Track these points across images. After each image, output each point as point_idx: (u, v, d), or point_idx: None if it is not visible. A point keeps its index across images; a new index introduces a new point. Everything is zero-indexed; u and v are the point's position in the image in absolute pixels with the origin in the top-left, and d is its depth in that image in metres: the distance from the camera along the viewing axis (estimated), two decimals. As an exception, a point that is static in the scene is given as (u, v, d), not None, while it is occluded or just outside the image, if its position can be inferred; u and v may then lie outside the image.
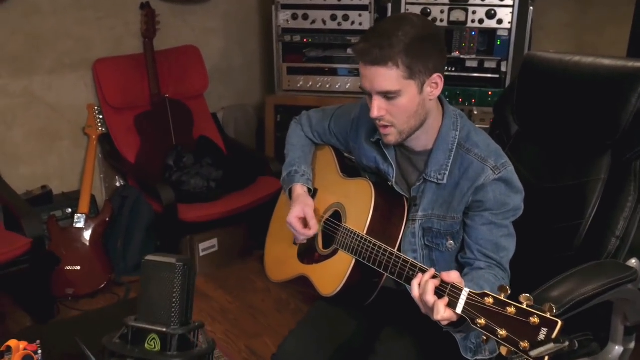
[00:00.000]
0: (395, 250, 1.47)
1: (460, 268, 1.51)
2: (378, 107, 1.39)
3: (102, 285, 2.80)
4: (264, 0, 3.69)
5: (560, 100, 1.72)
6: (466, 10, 2.92)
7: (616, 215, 1.57)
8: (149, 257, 1.27)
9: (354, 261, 1.52)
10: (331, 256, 1.61)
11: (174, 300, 1.24)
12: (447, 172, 1.46)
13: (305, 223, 1.65)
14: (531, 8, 2.83)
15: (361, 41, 1.38)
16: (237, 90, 3.76)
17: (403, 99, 1.37)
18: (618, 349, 1.60)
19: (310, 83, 3.30)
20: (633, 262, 1.57)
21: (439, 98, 1.49)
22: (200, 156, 3.12)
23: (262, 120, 3.75)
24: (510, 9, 2.86)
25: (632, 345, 1.62)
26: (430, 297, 1.21)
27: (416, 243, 1.52)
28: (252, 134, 3.79)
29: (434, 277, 1.24)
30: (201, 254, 3.05)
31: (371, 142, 1.59)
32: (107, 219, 2.88)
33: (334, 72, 3.28)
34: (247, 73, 3.80)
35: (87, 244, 2.81)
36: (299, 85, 3.31)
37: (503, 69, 2.95)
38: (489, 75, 3.01)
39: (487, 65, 3.01)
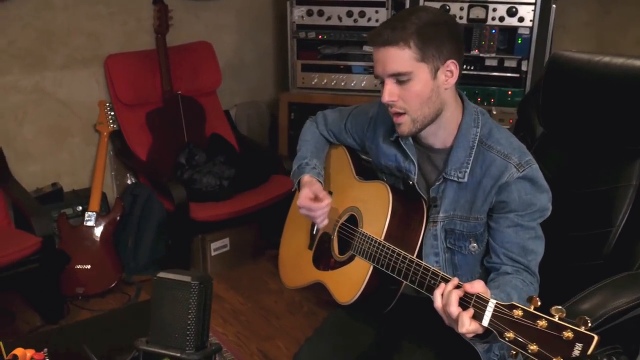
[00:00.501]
0: (415, 255, 1.41)
1: (485, 273, 1.46)
2: (389, 92, 1.34)
3: (113, 285, 2.76)
4: (279, -5, 3.63)
5: (588, 102, 1.66)
6: (486, 8, 2.84)
7: (649, 224, 1.50)
8: (162, 275, 1.18)
9: (371, 268, 1.46)
10: (347, 262, 1.55)
11: (190, 322, 1.15)
12: (467, 170, 1.40)
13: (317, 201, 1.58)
14: (554, 6, 2.75)
15: (374, 29, 1.37)
16: (250, 87, 3.71)
17: (415, 83, 1.32)
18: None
19: (325, 80, 3.24)
20: (665, 272, 1.50)
21: (459, 94, 1.44)
22: (212, 154, 3.08)
23: (275, 118, 3.70)
24: (532, 7, 2.78)
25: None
26: (455, 309, 1.15)
27: (438, 246, 1.46)
28: (265, 132, 3.73)
29: (457, 287, 1.19)
30: (213, 253, 3.00)
31: (390, 141, 1.54)
32: (118, 217, 2.83)
33: (349, 70, 3.21)
34: (260, 70, 3.74)
35: (98, 242, 2.78)
36: (313, 83, 3.25)
37: (524, 68, 2.87)
38: (509, 75, 2.93)
39: (507, 64, 2.93)
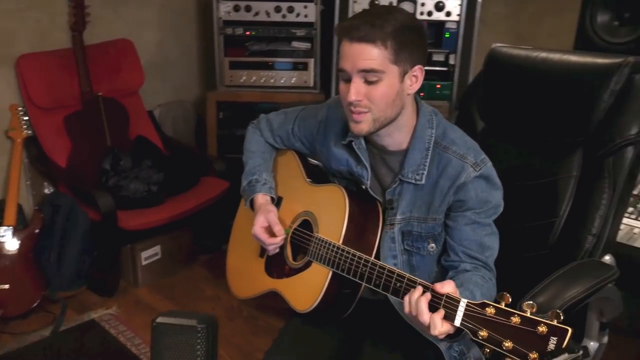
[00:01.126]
0: (373, 258, 1.38)
1: (442, 272, 1.46)
2: (357, 91, 1.30)
3: (35, 304, 2.55)
4: (202, -10, 3.50)
5: (528, 96, 1.69)
6: (415, 2, 2.85)
7: (592, 213, 1.54)
8: (161, 320, 1.06)
9: (330, 273, 1.41)
10: (304, 269, 1.50)
11: None
12: (425, 172, 1.39)
13: (271, 232, 1.54)
14: (479, 1, 2.81)
15: (348, 20, 1.33)
16: (174, 86, 3.55)
17: (383, 84, 1.30)
18: (593, 345, 1.59)
19: (254, 78, 3.15)
20: (607, 258, 1.55)
21: (414, 96, 1.42)
22: (138, 158, 2.92)
23: (202, 117, 3.58)
24: (459, 1, 2.83)
25: (606, 339, 1.61)
26: (426, 317, 1.13)
27: (396, 248, 1.44)
28: (191, 132, 3.60)
29: (424, 291, 1.17)
30: (143, 263, 2.85)
31: (342, 145, 1.50)
32: (37, 231, 2.62)
33: (279, 66, 3.14)
34: (185, 68, 3.59)
35: (16, 259, 2.55)
36: (241, 81, 3.15)
37: (451, 61, 2.93)
38: (438, 69, 2.97)
39: (435, 58, 2.96)
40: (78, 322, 2.54)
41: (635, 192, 2.12)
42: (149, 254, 2.86)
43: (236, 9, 3.06)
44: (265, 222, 1.54)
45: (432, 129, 1.42)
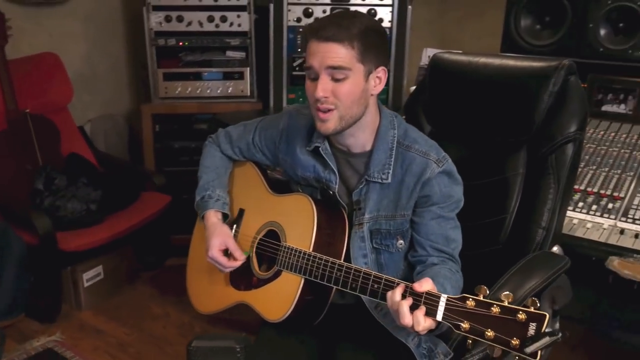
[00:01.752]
0: (342, 260, 1.42)
1: (409, 268, 1.51)
2: (324, 87, 1.34)
3: (-30, 336, 2.40)
4: (129, 0, 3.40)
5: (473, 99, 1.76)
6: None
7: (540, 208, 1.63)
8: (197, 344, 1.05)
9: (303, 281, 1.43)
10: (273, 279, 1.50)
11: None
12: (390, 171, 1.45)
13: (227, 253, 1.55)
14: (409, 7, 2.91)
15: (316, 22, 1.38)
16: (104, 99, 3.45)
17: (350, 82, 1.35)
18: (548, 332, 1.68)
19: (190, 89, 3.11)
20: (555, 249, 1.66)
21: (376, 98, 1.47)
22: (73, 176, 2.80)
23: (135, 131, 3.49)
24: (390, 8, 2.92)
25: (557, 325, 1.71)
26: (408, 319, 1.17)
27: (366, 247, 1.48)
28: (124, 147, 3.50)
29: (404, 290, 1.21)
30: (85, 284, 2.75)
31: (307, 152, 1.52)
32: (-32, 258, 2.47)
33: (214, 76, 3.12)
34: (114, 80, 3.49)
35: (-54, 290, 2.40)
36: (177, 92, 3.10)
37: (386, 66, 3.00)
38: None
39: (370, 63, 3.03)
40: (22, 353, 2.41)
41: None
42: (90, 275, 2.76)
43: (168, 19, 3.01)
44: (222, 245, 1.55)
45: (394, 129, 1.47)
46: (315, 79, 1.35)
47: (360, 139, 1.46)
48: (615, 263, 1.63)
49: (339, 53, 1.31)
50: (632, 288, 1.62)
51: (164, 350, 2.49)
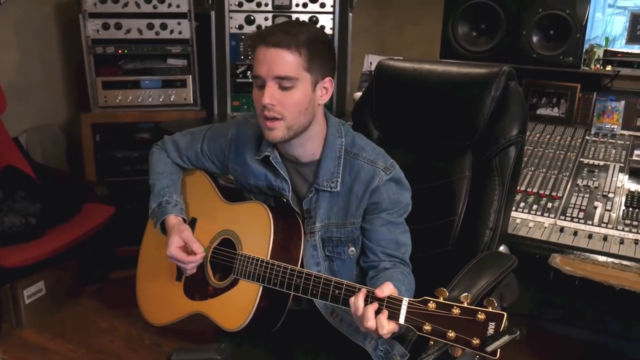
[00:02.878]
0: (299, 266, 1.43)
1: (361, 273, 1.54)
2: (271, 95, 1.34)
3: None
4: (63, 7, 3.30)
5: (418, 105, 1.81)
6: (289, 17, 2.94)
7: (487, 209, 1.69)
8: (176, 357, 1.06)
9: (261, 289, 1.43)
10: (230, 287, 1.50)
11: None
12: (339, 179, 1.47)
13: (187, 250, 1.53)
14: (350, 14, 2.97)
15: (264, 29, 1.40)
16: (39, 109, 3.32)
17: (297, 91, 1.35)
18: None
19: (130, 97, 3.05)
20: (502, 248, 1.73)
21: (323, 108, 1.49)
22: (10, 190, 2.68)
23: (73, 141, 3.39)
24: (331, 15, 2.96)
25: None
26: (372, 323, 1.20)
27: (318, 255, 1.50)
28: (62, 157, 3.39)
29: (367, 295, 1.24)
30: (27, 301, 2.64)
31: (257, 160, 1.53)
32: None
33: (156, 84, 3.07)
34: (49, 89, 3.37)
35: None
36: (117, 101, 3.03)
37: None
38: (316, 80, 3.07)
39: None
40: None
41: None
42: (31, 291, 2.66)
43: (105, 27, 2.94)
44: (180, 242, 1.53)
45: (341, 137, 1.50)
46: (263, 86, 1.35)
47: (309, 149, 1.47)
48: (557, 260, 1.72)
49: (287, 61, 1.32)
50: (573, 284, 1.70)
51: (113, 366, 2.43)
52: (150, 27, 2.98)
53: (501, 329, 1.07)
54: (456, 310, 1.12)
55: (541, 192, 2.01)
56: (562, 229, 1.84)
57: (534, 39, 2.43)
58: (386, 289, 1.22)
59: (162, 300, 1.66)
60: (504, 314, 1.08)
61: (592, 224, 1.85)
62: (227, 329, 1.47)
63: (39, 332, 2.61)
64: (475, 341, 1.09)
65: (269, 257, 1.43)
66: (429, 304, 1.15)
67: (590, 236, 1.80)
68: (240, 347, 1.50)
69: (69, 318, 2.74)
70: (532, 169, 2.13)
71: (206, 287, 1.55)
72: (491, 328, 1.08)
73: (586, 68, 2.52)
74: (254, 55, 1.37)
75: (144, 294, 1.72)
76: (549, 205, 1.95)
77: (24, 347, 2.52)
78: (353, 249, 1.51)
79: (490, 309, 1.10)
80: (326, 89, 1.42)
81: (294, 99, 1.35)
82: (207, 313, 1.53)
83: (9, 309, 2.62)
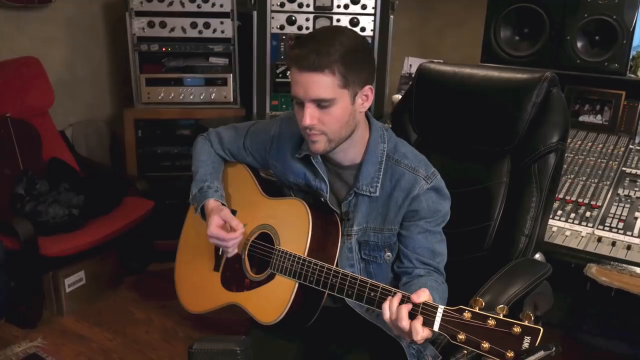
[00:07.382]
0: (334, 265, 1.44)
1: (396, 277, 1.54)
2: (311, 116, 1.35)
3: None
4: (111, 6, 3.39)
5: (458, 109, 1.80)
6: (330, 19, 2.96)
7: (523, 216, 1.67)
8: (198, 346, 1.05)
9: (297, 285, 1.45)
10: (267, 281, 1.52)
11: None
12: (378, 185, 1.47)
13: (227, 229, 1.54)
14: (392, 16, 2.97)
15: (296, 47, 1.36)
16: (86, 104, 3.43)
17: (336, 108, 1.35)
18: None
19: (172, 95, 3.11)
20: (537, 256, 1.71)
21: (366, 112, 1.49)
22: (55, 181, 2.78)
23: (116, 136, 3.48)
24: (372, 17, 2.97)
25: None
26: (406, 323, 1.20)
27: (353, 257, 1.51)
28: (105, 151, 3.48)
29: (402, 299, 1.24)
30: (67, 290, 2.73)
31: (298, 159, 1.54)
32: (-52, 264, 2.44)
33: (197, 82, 3.13)
34: (95, 85, 3.47)
35: None
36: (160, 97, 3.10)
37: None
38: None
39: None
40: (4, 358, 2.39)
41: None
42: (72, 281, 2.74)
43: (150, 25, 3.01)
44: (220, 221, 1.53)
45: (384, 143, 1.50)
46: (302, 104, 1.36)
47: (350, 154, 1.48)
48: (593, 270, 1.69)
49: (321, 83, 1.31)
50: (609, 295, 1.67)
51: (147, 356, 2.48)
52: (193, 25, 3.04)
53: (537, 344, 1.06)
54: (492, 322, 1.11)
55: (580, 200, 1.98)
56: (599, 239, 1.81)
57: (579, 44, 2.39)
58: (422, 295, 1.22)
59: (199, 289, 1.69)
60: (540, 329, 1.07)
61: (632, 235, 1.81)
62: (262, 322, 1.50)
63: (78, 321, 2.69)
64: (510, 354, 1.08)
65: (305, 254, 1.45)
66: (464, 313, 1.14)
67: (629, 247, 1.76)
68: (271, 339, 1.52)
69: (107, 308, 2.81)
70: (572, 176, 2.09)
71: (243, 279, 1.58)
72: (526, 342, 1.07)
73: (632, 75, 2.46)
74: (290, 73, 1.37)
75: (182, 280, 1.76)
76: (588, 214, 1.91)
77: (63, 334, 2.60)
78: (389, 254, 1.52)
79: (526, 323, 1.08)
80: (367, 96, 1.41)
81: (334, 116, 1.36)
82: (242, 305, 1.56)
83: (51, 297, 2.71)
